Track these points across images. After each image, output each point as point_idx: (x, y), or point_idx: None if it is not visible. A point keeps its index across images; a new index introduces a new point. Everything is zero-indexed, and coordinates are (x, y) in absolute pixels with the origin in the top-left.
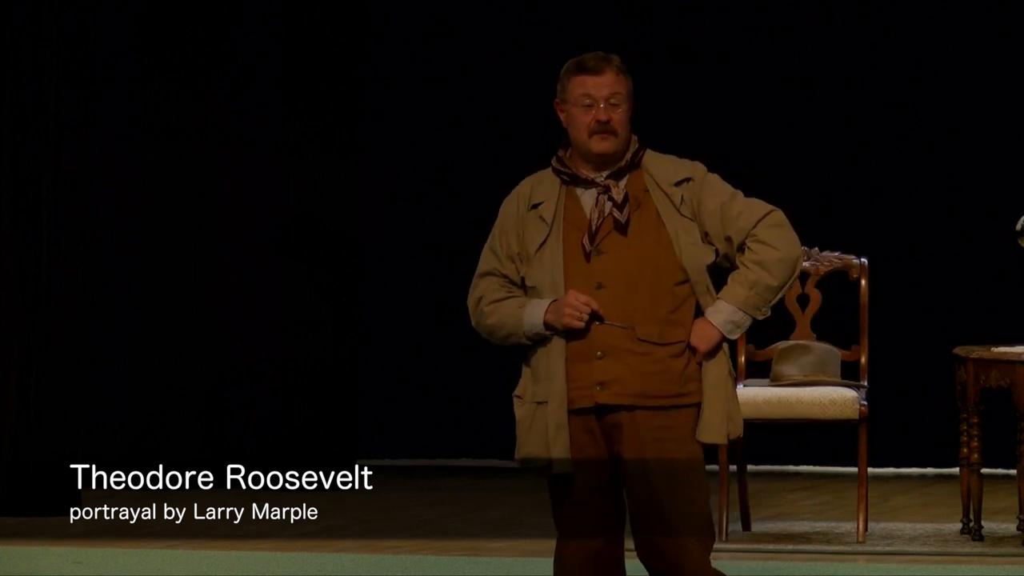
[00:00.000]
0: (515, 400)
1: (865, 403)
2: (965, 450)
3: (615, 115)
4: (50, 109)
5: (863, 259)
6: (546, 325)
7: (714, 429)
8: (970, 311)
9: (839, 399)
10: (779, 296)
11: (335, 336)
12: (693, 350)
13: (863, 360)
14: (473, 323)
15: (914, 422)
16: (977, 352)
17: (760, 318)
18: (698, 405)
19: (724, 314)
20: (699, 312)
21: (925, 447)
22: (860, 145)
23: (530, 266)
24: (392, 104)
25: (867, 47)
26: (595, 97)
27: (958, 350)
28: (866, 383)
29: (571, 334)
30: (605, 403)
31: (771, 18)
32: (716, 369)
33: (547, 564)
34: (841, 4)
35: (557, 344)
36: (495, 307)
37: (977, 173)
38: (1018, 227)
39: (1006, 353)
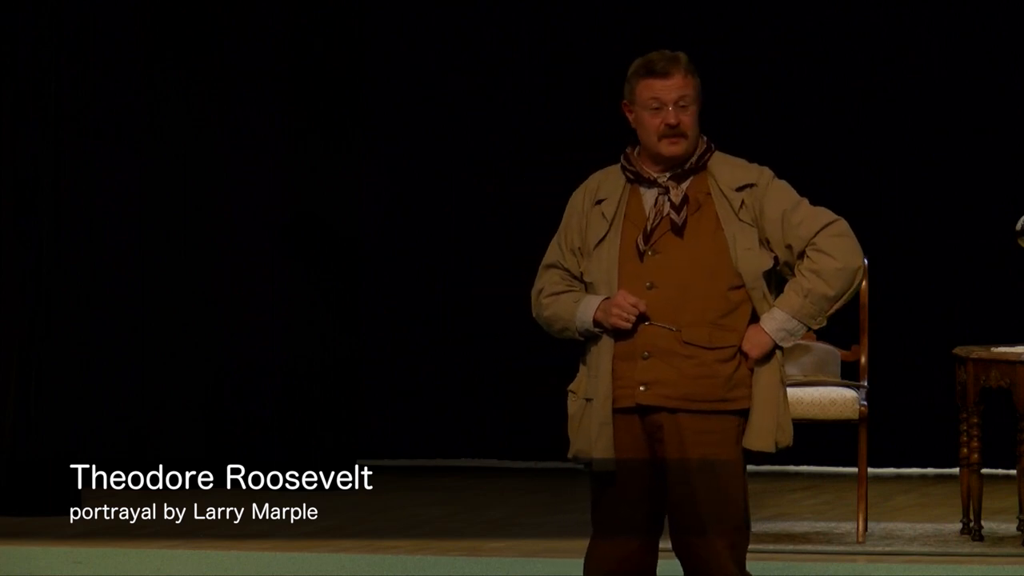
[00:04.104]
0: (569, 395)
1: (865, 403)
2: (965, 450)
3: (684, 117)
4: (50, 109)
5: (863, 259)
6: (595, 323)
7: (763, 436)
8: (970, 311)
9: (839, 399)
10: (837, 306)
11: (335, 336)
12: (745, 355)
13: (863, 360)
14: (533, 314)
15: (914, 422)
16: (977, 352)
17: (815, 327)
18: (745, 411)
19: (777, 321)
20: (755, 318)
21: (925, 447)
22: (860, 145)
23: (589, 262)
24: (392, 104)
25: (867, 47)
26: (664, 100)
27: (958, 350)
28: (866, 383)
29: (619, 333)
30: (646, 404)
31: (771, 18)
32: (768, 376)
33: (547, 564)
34: (842, 5)
35: (606, 342)
36: (553, 300)
37: (977, 173)
38: (1018, 227)
39: (1006, 353)
